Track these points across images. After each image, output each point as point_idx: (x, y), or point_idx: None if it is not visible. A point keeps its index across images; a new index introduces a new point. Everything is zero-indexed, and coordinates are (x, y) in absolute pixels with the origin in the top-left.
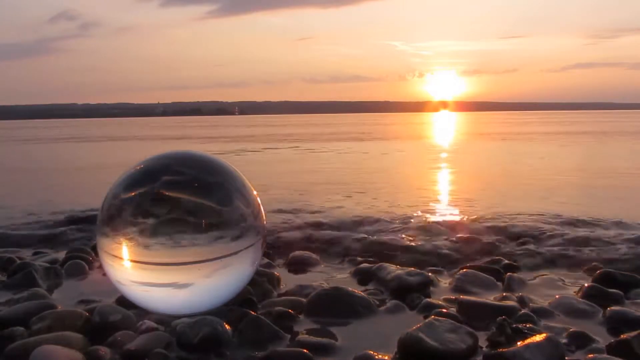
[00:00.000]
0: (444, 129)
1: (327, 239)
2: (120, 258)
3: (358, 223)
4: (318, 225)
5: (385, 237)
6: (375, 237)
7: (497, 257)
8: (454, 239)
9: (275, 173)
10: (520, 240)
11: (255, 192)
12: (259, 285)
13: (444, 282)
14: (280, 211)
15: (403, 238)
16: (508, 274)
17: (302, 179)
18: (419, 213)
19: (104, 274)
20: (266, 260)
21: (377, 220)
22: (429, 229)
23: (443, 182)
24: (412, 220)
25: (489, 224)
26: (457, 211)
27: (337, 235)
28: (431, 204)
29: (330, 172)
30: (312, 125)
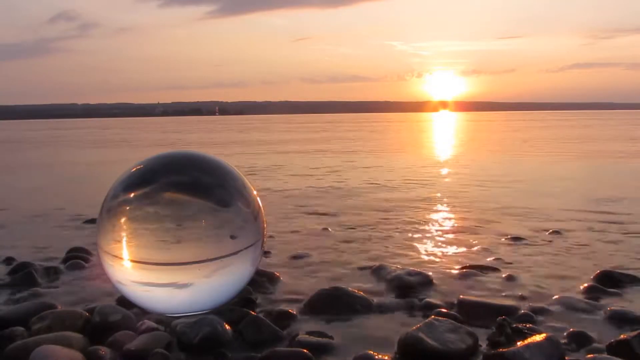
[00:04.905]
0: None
1: None
2: (120, 258)
3: None
4: None
5: None
6: None
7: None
8: None
9: None
10: None
11: (255, 192)
12: (259, 285)
13: (444, 282)
14: None
15: None
16: (508, 273)
17: None
18: None
19: (104, 274)
20: (266, 260)
21: None
22: None
23: None
24: None
25: None
26: None
27: None
28: None
29: None
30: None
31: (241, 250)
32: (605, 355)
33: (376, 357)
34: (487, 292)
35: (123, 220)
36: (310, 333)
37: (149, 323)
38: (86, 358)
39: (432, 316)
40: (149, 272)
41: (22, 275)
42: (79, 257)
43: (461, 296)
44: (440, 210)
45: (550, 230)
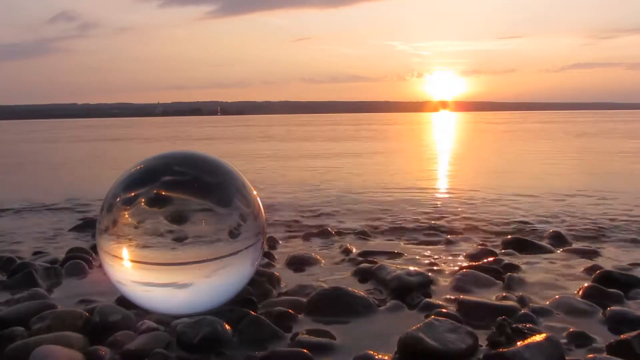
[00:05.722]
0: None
1: None
2: (120, 258)
3: None
4: None
5: None
6: None
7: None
8: None
9: None
10: None
11: (255, 192)
12: (259, 285)
13: (444, 282)
14: None
15: None
16: (508, 273)
17: None
18: None
19: (104, 274)
20: (266, 260)
21: None
22: None
23: None
24: None
25: None
26: None
27: None
28: None
29: None
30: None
31: (241, 250)
32: (605, 355)
33: (376, 357)
34: (487, 292)
35: (123, 220)
36: (310, 333)
37: (149, 323)
38: (86, 358)
39: (432, 316)
40: (149, 272)
41: (22, 275)
42: (79, 257)
43: (461, 296)
44: (440, 211)
45: (551, 230)
